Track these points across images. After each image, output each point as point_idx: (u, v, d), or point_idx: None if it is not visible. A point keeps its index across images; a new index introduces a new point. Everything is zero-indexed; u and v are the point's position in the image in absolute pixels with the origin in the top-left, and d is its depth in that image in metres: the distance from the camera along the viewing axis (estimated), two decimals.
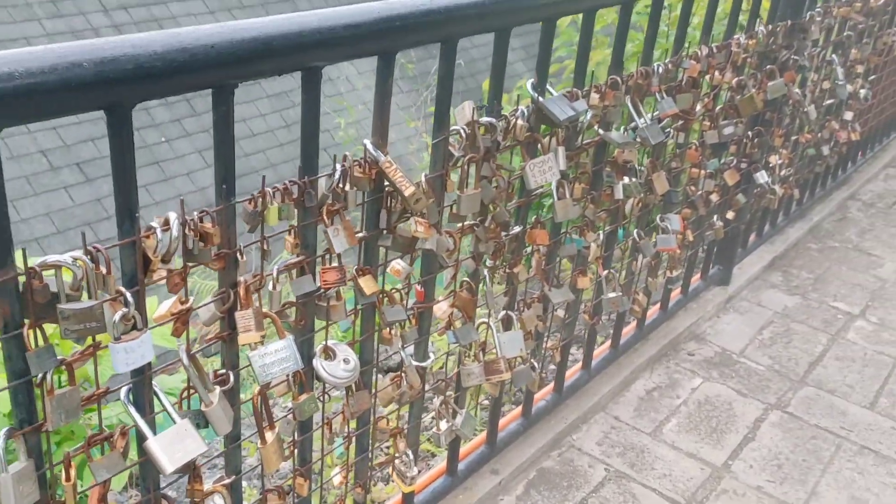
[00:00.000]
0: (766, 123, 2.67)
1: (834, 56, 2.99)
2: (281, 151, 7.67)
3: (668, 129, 2.12)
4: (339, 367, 1.42)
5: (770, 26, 2.44)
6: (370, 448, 1.66)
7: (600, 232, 2.12)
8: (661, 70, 2.00)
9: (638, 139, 1.99)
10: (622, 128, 2.00)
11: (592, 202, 1.98)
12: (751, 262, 3.13)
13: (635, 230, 2.25)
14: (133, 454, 1.21)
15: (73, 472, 1.10)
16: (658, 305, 2.66)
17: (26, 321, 0.99)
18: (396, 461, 1.74)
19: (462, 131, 1.52)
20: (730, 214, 2.73)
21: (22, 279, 0.97)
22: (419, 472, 1.82)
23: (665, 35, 3.53)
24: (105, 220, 6.73)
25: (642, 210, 2.21)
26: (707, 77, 2.23)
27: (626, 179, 2.04)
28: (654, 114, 2.03)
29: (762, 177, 2.75)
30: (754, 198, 2.85)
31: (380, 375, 1.65)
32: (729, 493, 2.11)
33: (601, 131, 1.91)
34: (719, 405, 2.43)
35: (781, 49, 2.51)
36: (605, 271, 2.17)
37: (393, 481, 2.16)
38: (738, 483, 2.14)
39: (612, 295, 2.20)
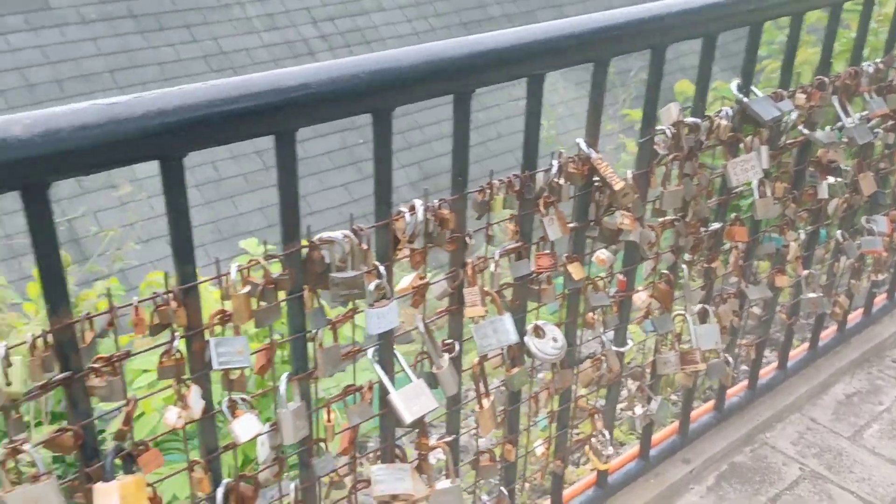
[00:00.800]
0: None
1: None
2: (470, 152, 7.96)
3: (876, 130, 2.09)
4: (549, 344, 1.57)
5: None
6: (570, 425, 1.79)
7: (800, 231, 2.13)
8: (871, 70, 1.98)
9: (844, 139, 1.99)
10: (827, 127, 2.01)
11: (793, 201, 2.00)
12: None
13: (838, 231, 2.23)
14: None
15: (332, 415, 1.32)
16: (861, 310, 2.60)
17: (306, 286, 1.21)
18: (593, 440, 1.86)
19: (667, 131, 1.61)
20: None
21: (304, 251, 1.19)
22: (613, 453, 1.93)
23: (875, 32, 3.39)
24: (308, 215, 7.30)
25: (847, 211, 2.19)
26: None
27: (831, 179, 2.04)
28: (863, 113, 2.02)
29: None
30: None
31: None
32: None
33: (805, 131, 1.93)
34: None
35: None
36: (806, 271, 2.17)
37: (585, 463, 2.29)
38: None
39: (811, 295, 2.20)
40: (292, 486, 1.34)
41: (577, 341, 1.70)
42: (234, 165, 7.06)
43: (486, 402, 1.54)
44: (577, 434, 1.90)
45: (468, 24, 9.00)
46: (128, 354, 1.09)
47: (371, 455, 1.48)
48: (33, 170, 0.91)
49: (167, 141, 1.00)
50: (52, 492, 1.00)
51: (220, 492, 1.21)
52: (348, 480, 1.40)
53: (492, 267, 1.44)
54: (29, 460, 1.01)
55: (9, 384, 0.98)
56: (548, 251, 1.51)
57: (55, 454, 1.69)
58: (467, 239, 1.39)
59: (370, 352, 1.37)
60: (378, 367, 1.37)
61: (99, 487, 1.06)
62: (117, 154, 0.97)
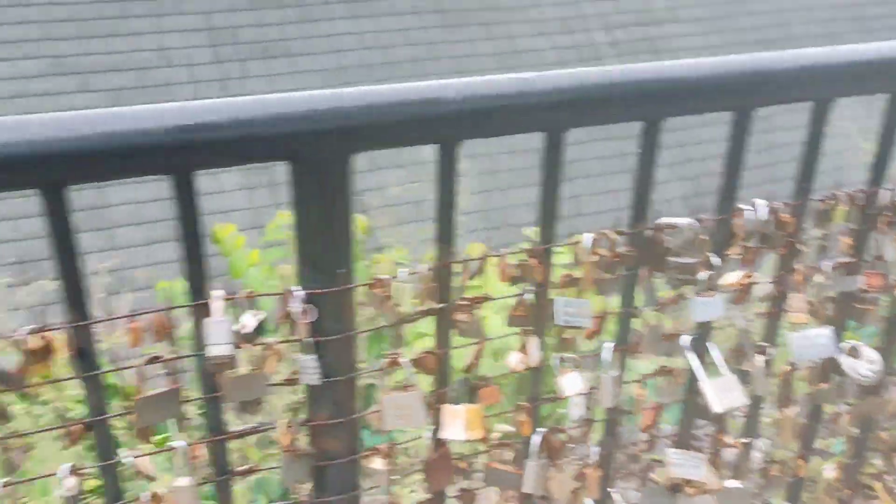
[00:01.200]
0: None
1: None
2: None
3: None
4: (864, 366, 1.53)
5: None
6: (867, 454, 1.73)
7: None
8: None
9: None
10: None
11: None
12: None
13: None
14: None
15: (643, 391, 1.40)
16: None
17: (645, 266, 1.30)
18: (887, 476, 1.78)
19: None
20: None
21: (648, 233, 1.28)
22: None
23: None
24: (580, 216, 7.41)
25: None
26: None
27: None
28: None
29: None
30: None
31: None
32: None
33: None
34: None
35: None
36: None
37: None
38: None
39: None
40: (595, 450, 1.44)
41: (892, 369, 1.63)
42: (509, 160, 7.35)
43: (787, 412, 1.54)
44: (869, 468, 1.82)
45: (764, 42, 8.61)
46: (486, 298, 1.24)
47: (666, 439, 1.54)
48: (451, 127, 1.08)
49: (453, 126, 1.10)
50: (418, 401, 1.18)
51: (537, 438, 1.34)
52: (645, 456, 1.48)
53: (819, 277, 1.44)
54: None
55: (397, 305, 1.17)
56: (881, 271, 1.48)
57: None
58: (799, 246, 1.40)
59: (684, 339, 1.43)
60: (692, 355, 1.42)
61: (449, 408, 1.23)
62: None
